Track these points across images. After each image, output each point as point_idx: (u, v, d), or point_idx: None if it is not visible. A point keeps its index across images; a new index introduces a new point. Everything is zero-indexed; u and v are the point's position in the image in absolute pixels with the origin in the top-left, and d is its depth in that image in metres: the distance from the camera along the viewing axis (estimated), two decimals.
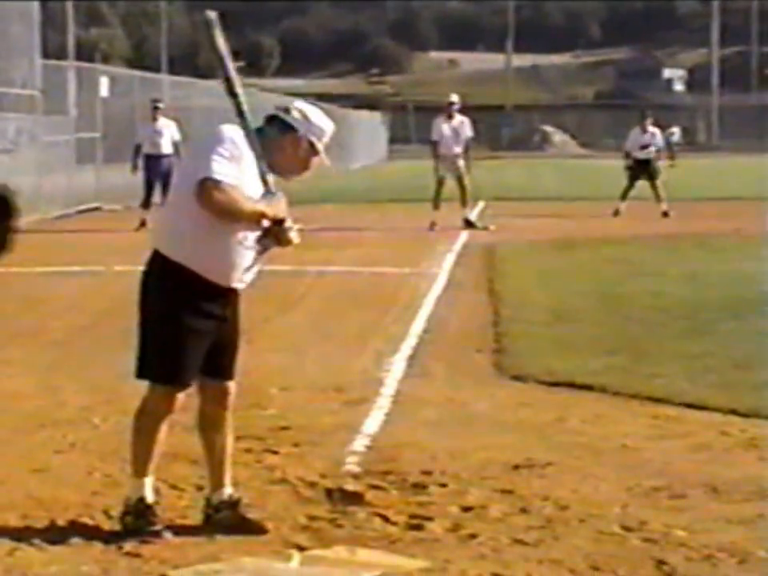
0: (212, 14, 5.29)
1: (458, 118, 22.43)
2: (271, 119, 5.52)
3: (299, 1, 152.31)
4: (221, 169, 5.18)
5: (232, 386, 5.62)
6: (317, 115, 5.56)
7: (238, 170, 5.23)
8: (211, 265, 5.36)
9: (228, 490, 5.62)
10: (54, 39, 46.43)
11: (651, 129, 25.73)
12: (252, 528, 5.48)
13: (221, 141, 5.27)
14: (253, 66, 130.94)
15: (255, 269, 5.54)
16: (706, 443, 7.04)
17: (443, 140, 22.28)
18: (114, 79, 29.73)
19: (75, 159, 27.98)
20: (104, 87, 28.32)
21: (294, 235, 5.42)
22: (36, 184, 25.38)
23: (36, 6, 26.10)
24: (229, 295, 5.48)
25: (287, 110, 5.52)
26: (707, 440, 7.10)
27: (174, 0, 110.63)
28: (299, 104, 5.64)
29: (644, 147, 25.39)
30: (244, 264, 5.43)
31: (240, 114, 5.29)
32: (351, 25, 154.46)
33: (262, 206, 5.30)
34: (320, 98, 67.81)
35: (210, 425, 5.62)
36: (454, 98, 22.68)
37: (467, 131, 22.36)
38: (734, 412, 7.69)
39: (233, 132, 5.30)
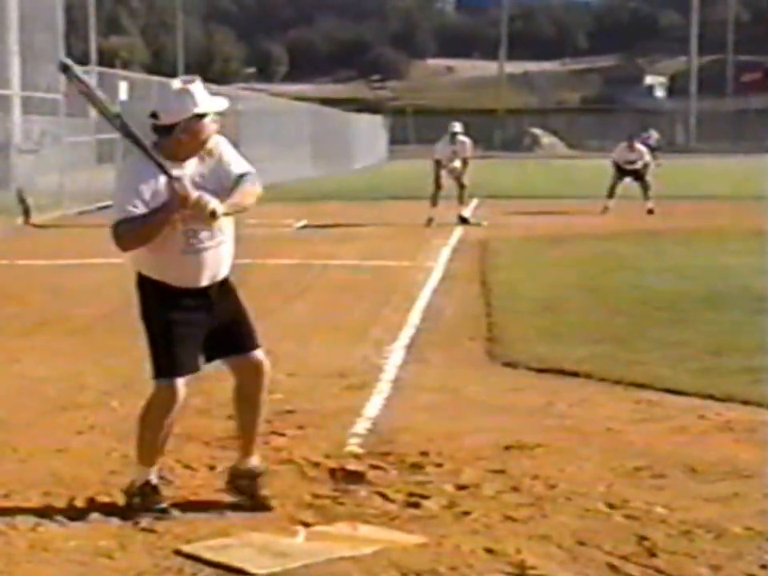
0: (67, 61, 5.19)
1: (460, 140, 22.63)
2: (155, 129, 5.25)
3: (306, 12, 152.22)
4: (122, 205, 5.12)
5: (259, 355, 5.44)
6: (172, 93, 5.20)
7: (143, 192, 5.11)
8: (174, 273, 5.26)
9: (253, 461, 5.57)
10: (77, 46, 46.46)
11: (639, 147, 25.29)
12: (258, 505, 5.43)
13: (123, 175, 5.32)
14: (263, 73, 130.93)
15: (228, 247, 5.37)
16: (685, 426, 7.01)
17: (444, 157, 22.67)
18: (133, 84, 29.66)
19: (96, 159, 27.96)
20: (123, 91, 28.27)
21: (211, 206, 5.10)
22: (59, 182, 25.40)
23: (61, 15, 26.08)
24: (209, 289, 5.33)
25: (155, 115, 5.22)
26: (686, 423, 7.07)
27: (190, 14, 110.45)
28: (157, 102, 5.31)
29: (629, 163, 24.92)
30: (206, 264, 5.27)
31: (132, 139, 5.17)
32: (354, 34, 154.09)
33: (163, 209, 5.10)
34: (325, 102, 67.96)
35: (242, 399, 5.49)
36: (457, 128, 22.70)
37: (467, 152, 22.63)
38: (711, 397, 7.66)
39: (129, 163, 5.32)
